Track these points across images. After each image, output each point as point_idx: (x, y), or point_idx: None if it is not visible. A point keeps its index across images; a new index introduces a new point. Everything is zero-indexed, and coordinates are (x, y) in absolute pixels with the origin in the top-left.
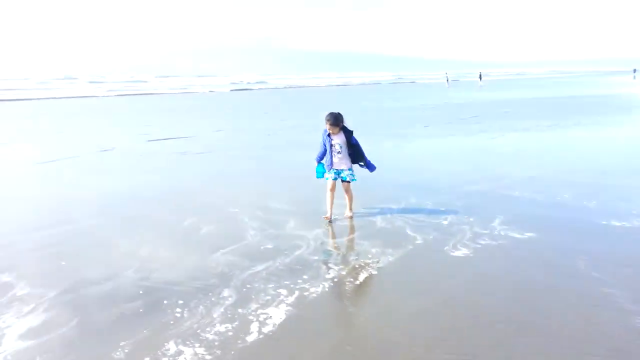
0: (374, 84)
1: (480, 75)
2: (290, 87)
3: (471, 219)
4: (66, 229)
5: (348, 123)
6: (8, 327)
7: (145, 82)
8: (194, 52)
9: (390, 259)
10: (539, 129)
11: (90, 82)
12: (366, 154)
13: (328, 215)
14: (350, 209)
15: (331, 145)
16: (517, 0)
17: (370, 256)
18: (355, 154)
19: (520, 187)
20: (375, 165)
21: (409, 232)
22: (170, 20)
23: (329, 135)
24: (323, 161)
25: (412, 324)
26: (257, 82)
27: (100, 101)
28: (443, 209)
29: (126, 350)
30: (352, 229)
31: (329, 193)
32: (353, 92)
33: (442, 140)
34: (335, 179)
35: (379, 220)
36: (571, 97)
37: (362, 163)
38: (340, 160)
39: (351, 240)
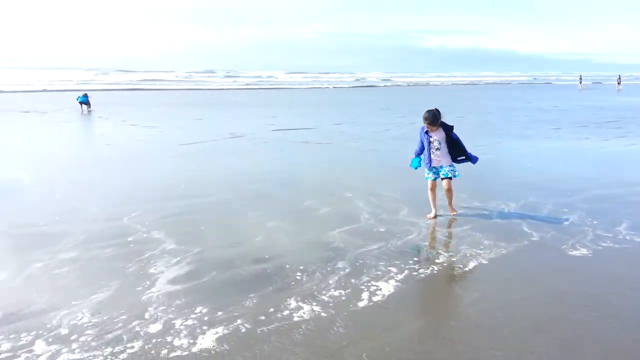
0: (505, 83)
1: (619, 79)
2: (414, 85)
3: (595, 222)
4: (203, 201)
5: (458, 122)
6: (160, 273)
7: (275, 77)
8: (321, 49)
9: (503, 251)
10: None
11: (226, 76)
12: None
13: (432, 214)
14: (452, 207)
15: (429, 142)
16: None
17: (482, 247)
18: (456, 149)
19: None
20: (478, 157)
21: (525, 228)
22: (300, 20)
23: (426, 132)
24: (421, 156)
25: (517, 310)
26: (382, 80)
27: (234, 93)
28: (565, 210)
29: (254, 301)
30: (465, 221)
31: (429, 193)
32: (479, 90)
33: (573, 143)
34: (435, 178)
35: (494, 215)
36: None
37: (462, 157)
38: (439, 157)
39: (464, 231)
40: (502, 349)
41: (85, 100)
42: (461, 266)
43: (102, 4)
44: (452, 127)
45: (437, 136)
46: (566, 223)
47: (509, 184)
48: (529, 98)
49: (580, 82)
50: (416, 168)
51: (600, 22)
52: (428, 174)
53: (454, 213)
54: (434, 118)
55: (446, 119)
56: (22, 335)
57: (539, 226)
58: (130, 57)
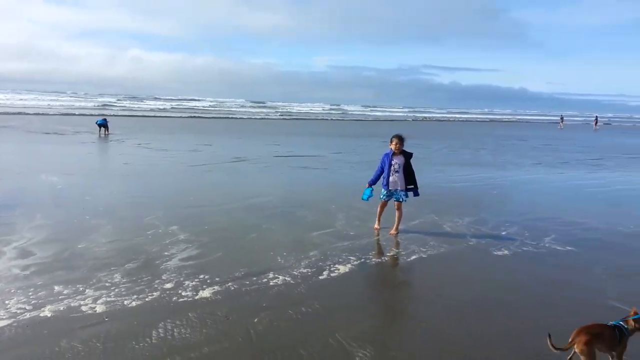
0: (514, 121)
1: (596, 120)
2: (429, 119)
3: (526, 234)
4: (209, 209)
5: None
6: (175, 254)
7: (289, 108)
8: (335, 82)
9: (442, 250)
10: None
11: (240, 105)
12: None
13: (376, 226)
14: (397, 227)
15: (390, 165)
16: None
17: (427, 247)
18: (409, 177)
19: (577, 214)
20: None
21: (467, 236)
22: (312, 53)
23: (391, 155)
24: (373, 185)
25: (439, 286)
26: (403, 114)
27: (252, 122)
28: (507, 224)
29: (242, 273)
30: (421, 229)
31: (379, 209)
32: (485, 126)
33: (542, 176)
34: (387, 200)
35: (447, 226)
36: None
37: (412, 186)
38: (396, 180)
39: (417, 236)
40: (420, 302)
41: (103, 123)
42: (405, 258)
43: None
44: (411, 154)
45: (399, 160)
46: (503, 233)
47: (469, 204)
48: (526, 136)
49: (562, 121)
50: (366, 200)
51: (610, 63)
52: (383, 193)
53: (395, 233)
54: (402, 139)
55: (441, 151)
56: (81, 287)
57: (478, 235)
58: (158, 84)
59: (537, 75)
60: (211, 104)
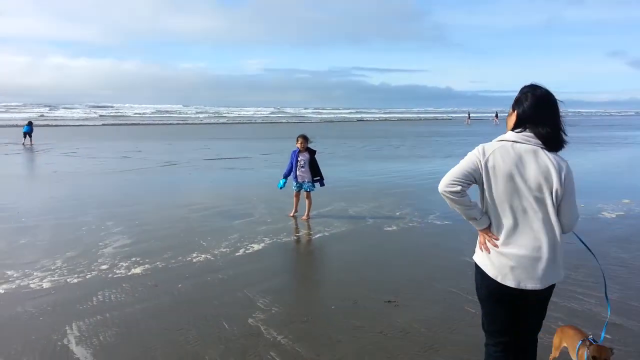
0: (439, 119)
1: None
2: (357, 120)
3: (416, 213)
4: (138, 207)
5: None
6: (111, 242)
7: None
8: (270, 85)
9: (343, 229)
10: None
11: (163, 111)
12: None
13: (292, 212)
14: (308, 213)
15: (297, 161)
16: None
17: (331, 227)
18: (314, 170)
19: None
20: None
21: (367, 217)
22: (246, 56)
23: (298, 153)
24: (287, 177)
25: (341, 252)
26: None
27: (182, 128)
28: (400, 206)
29: (169, 254)
30: (328, 215)
31: (294, 199)
32: (409, 125)
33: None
34: (298, 190)
35: (352, 210)
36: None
37: (317, 178)
38: (303, 174)
39: (326, 219)
40: (319, 265)
41: (28, 131)
42: (311, 236)
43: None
44: (315, 152)
45: (304, 157)
46: (397, 214)
47: (377, 193)
48: (446, 132)
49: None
50: (281, 188)
51: (525, 61)
52: (294, 185)
53: (307, 219)
54: (307, 138)
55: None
56: (28, 271)
57: (376, 217)
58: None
59: (461, 75)
60: (142, 110)
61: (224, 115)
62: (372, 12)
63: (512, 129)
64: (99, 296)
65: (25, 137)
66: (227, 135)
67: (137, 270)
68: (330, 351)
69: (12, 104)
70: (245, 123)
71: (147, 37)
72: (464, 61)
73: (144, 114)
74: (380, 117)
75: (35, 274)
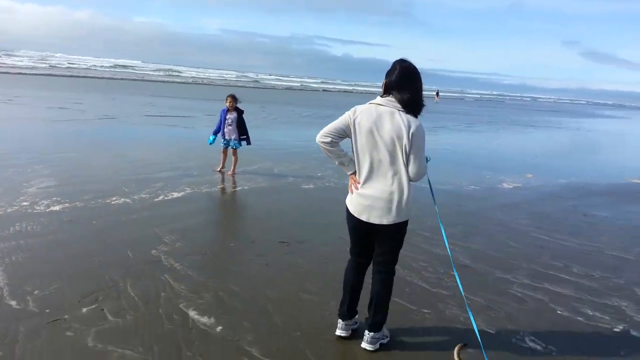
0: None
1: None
2: (318, 90)
3: (327, 174)
4: (69, 155)
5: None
6: (36, 184)
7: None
8: (227, 47)
9: (262, 185)
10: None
11: (119, 65)
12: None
13: (219, 168)
14: (234, 169)
15: (225, 119)
16: None
17: (253, 182)
18: (241, 129)
19: None
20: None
21: (288, 176)
22: (203, 14)
23: (226, 112)
24: (216, 135)
25: (255, 203)
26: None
27: (130, 84)
28: (322, 169)
29: (91, 195)
30: (255, 173)
31: (222, 155)
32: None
33: None
34: (225, 147)
35: (275, 171)
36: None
37: (244, 137)
38: (230, 132)
39: (250, 177)
40: (230, 211)
41: None
42: (231, 189)
43: None
44: (242, 111)
45: (232, 116)
46: (318, 175)
47: (307, 156)
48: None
49: (437, 96)
50: (210, 144)
51: (486, 43)
52: (222, 142)
53: (232, 174)
54: (236, 99)
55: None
56: None
57: (297, 176)
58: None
59: (421, 52)
60: (91, 62)
61: (181, 74)
62: None
63: (382, 95)
64: (16, 227)
65: None
66: (179, 95)
67: (56, 207)
68: (219, 276)
69: None
70: (205, 84)
71: None
72: (426, 39)
73: (101, 66)
74: (344, 89)
75: None
